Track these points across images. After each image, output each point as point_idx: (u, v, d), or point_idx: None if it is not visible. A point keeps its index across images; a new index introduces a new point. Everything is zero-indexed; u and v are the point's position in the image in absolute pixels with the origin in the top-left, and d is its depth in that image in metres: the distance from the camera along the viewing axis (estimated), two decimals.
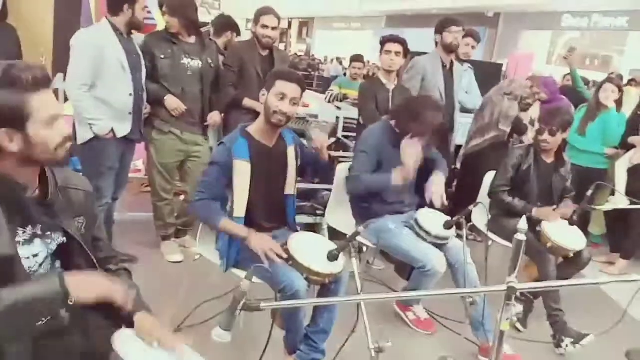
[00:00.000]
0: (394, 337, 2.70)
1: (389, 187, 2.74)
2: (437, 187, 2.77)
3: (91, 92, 2.87)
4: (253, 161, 2.32)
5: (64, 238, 1.41)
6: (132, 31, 3.03)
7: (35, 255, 1.34)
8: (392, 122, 2.89)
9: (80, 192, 1.48)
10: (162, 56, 3.18)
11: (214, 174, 2.32)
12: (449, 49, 3.78)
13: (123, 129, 3.00)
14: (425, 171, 2.88)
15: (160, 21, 4.05)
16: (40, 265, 1.36)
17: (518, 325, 3.05)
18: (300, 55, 20.35)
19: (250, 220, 2.37)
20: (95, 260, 1.46)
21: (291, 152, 2.48)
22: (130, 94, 2.99)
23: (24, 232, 1.32)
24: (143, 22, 3.06)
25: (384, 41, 3.50)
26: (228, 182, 2.31)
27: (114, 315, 1.45)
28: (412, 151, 2.68)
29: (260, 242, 2.22)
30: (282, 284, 2.09)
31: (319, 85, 13.55)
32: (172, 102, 3.20)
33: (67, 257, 1.42)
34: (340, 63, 17.53)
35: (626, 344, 3.00)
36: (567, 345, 2.80)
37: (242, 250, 2.34)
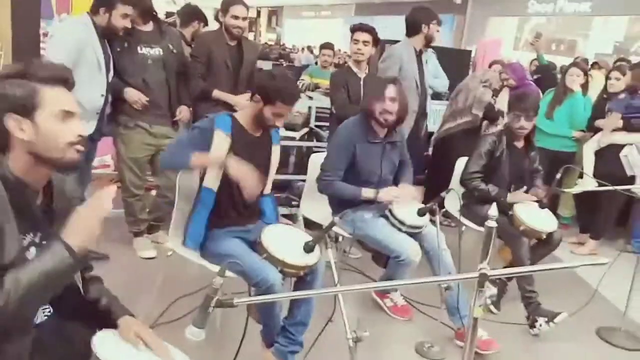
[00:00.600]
0: (372, 325, 2.74)
1: (358, 199, 2.78)
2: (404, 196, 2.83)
3: None
4: (234, 138, 2.28)
5: None
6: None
7: None
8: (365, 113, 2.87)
9: (74, 199, 1.47)
10: (118, 49, 3.09)
11: (193, 135, 2.26)
12: (429, 40, 3.79)
13: (87, 128, 2.90)
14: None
15: None
16: None
17: (492, 308, 3.11)
18: (271, 45, 20.17)
19: (224, 202, 2.31)
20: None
21: (276, 151, 2.46)
22: (102, 95, 2.94)
23: (24, 239, 1.30)
24: (121, 30, 2.96)
25: (353, 29, 3.48)
26: (204, 148, 2.22)
27: (97, 320, 1.44)
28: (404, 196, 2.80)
29: (239, 169, 2.17)
30: (256, 278, 2.07)
31: (290, 73, 13.46)
32: (132, 95, 3.11)
33: None
34: (311, 52, 17.43)
35: (597, 322, 3.13)
36: (540, 325, 2.86)
37: (212, 241, 2.31)
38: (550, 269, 1.33)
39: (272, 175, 2.48)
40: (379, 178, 2.87)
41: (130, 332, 1.34)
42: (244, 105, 3.04)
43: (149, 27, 3.19)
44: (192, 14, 4.14)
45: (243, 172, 2.18)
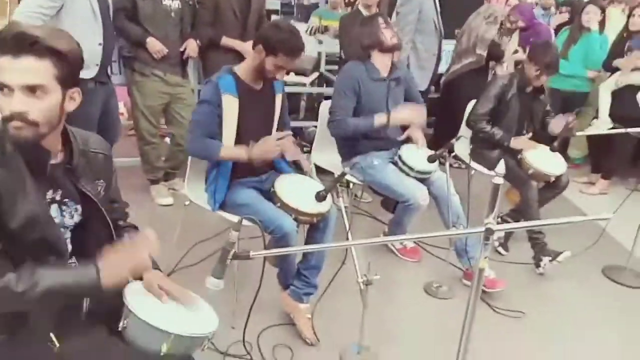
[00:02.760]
0: (382, 266, 2.84)
1: (372, 128, 2.78)
2: (416, 135, 2.86)
3: None
4: (241, 98, 2.30)
5: (79, 207, 1.39)
6: None
7: None
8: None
9: (100, 154, 1.46)
10: None
11: (205, 111, 2.29)
12: None
13: (85, 74, 2.83)
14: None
15: None
16: None
17: (500, 249, 3.20)
18: None
19: (240, 163, 2.37)
20: (112, 226, 1.47)
21: (278, 99, 2.47)
22: (100, 44, 2.84)
23: (45, 196, 1.31)
24: None
25: None
26: (218, 119, 2.28)
27: None
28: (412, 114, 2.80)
29: (261, 151, 2.24)
30: (271, 225, 2.15)
31: (299, 13, 13.07)
32: (154, 45, 3.13)
33: (83, 227, 1.42)
34: None
35: (604, 261, 3.21)
36: (545, 264, 2.95)
37: (229, 193, 2.37)
38: (551, 224, 1.38)
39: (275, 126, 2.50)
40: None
41: (154, 285, 1.38)
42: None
43: None
44: None
45: (265, 151, 2.23)
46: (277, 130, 2.49)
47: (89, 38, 2.77)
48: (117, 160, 4.06)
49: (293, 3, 14.79)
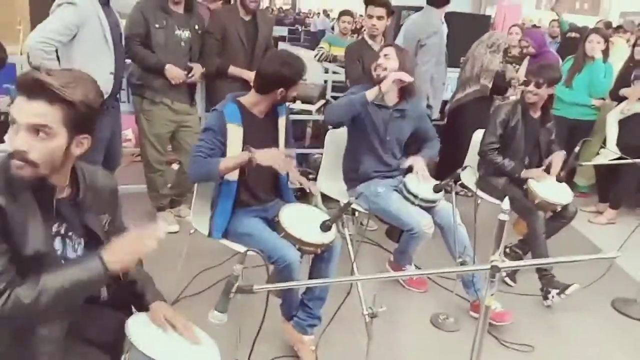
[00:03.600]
0: (388, 297, 2.82)
1: (365, 102, 2.74)
2: (419, 169, 2.86)
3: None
4: (245, 127, 2.32)
5: (82, 240, 1.42)
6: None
7: None
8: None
9: (106, 189, 1.50)
10: (157, 25, 3.12)
11: (209, 138, 2.29)
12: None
13: None
14: (416, 141, 2.99)
15: None
16: None
17: (508, 280, 3.16)
18: (286, 9, 19.87)
19: (244, 187, 2.37)
20: None
21: (282, 122, 2.48)
22: (111, 73, 2.87)
23: (50, 229, 1.34)
24: None
25: (365, 2, 3.43)
26: (223, 147, 2.29)
27: (130, 302, 1.52)
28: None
29: (266, 156, 2.22)
30: (275, 256, 2.14)
31: (306, 40, 13.29)
32: (172, 71, 3.17)
33: None
34: (327, 16, 17.15)
35: (613, 294, 3.16)
36: (553, 297, 2.91)
37: (232, 221, 2.37)
38: (558, 262, 1.36)
39: (283, 147, 2.50)
40: (382, 143, 2.90)
41: (160, 316, 1.41)
42: None
43: (181, 7, 3.22)
44: None
45: (270, 157, 2.22)
46: None
47: (101, 67, 2.80)
48: (123, 187, 4.07)
49: (300, 30, 15.03)
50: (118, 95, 3.18)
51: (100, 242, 1.42)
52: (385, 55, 2.82)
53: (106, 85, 2.84)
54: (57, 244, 1.35)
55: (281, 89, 2.30)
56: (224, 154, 2.28)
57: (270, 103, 2.37)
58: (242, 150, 2.28)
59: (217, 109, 2.33)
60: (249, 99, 2.38)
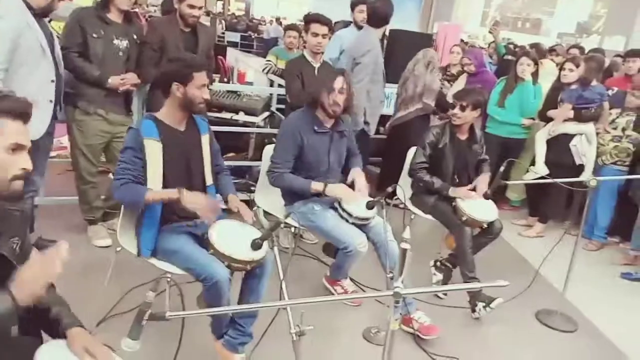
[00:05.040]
0: (322, 312, 2.84)
1: (307, 192, 2.83)
2: (359, 183, 2.91)
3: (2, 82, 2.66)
4: (164, 141, 2.30)
5: None
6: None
7: None
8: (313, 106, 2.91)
9: (16, 212, 1.46)
10: (95, 35, 3.07)
11: (128, 157, 2.27)
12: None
13: (41, 125, 2.85)
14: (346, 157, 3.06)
15: None
16: None
17: (439, 293, 3.26)
18: (239, 16, 19.77)
19: (169, 206, 2.32)
20: None
21: (205, 140, 2.47)
22: (52, 80, 2.85)
23: None
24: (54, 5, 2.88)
25: (308, 21, 3.48)
26: (143, 163, 2.27)
27: (45, 329, 1.47)
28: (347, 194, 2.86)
29: (194, 198, 2.23)
30: (203, 273, 2.13)
31: (259, 47, 13.26)
32: (115, 83, 3.14)
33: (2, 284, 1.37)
34: (280, 24, 17.17)
35: (538, 304, 3.31)
36: (480, 310, 3.02)
37: (160, 239, 2.34)
38: (458, 289, 1.42)
39: (209, 165, 2.49)
40: (327, 168, 2.94)
41: (79, 345, 1.35)
42: None
43: (119, 17, 3.16)
44: (172, 4, 4.06)
45: (197, 203, 2.23)
46: (212, 172, 2.50)
47: (42, 75, 2.81)
48: (53, 199, 3.93)
49: (252, 37, 14.95)
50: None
51: (12, 267, 1.37)
52: (339, 90, 2.81)
53: (48, 92, 2.85)
54: None
55: (175, 84, 2.28)
56: (145, 171, 2.27)
57: (181, 109, 2.34)
58: (163, 166, 2.29)
59: (132, 127, 2.33)
60: (163, 110, 2.37)
